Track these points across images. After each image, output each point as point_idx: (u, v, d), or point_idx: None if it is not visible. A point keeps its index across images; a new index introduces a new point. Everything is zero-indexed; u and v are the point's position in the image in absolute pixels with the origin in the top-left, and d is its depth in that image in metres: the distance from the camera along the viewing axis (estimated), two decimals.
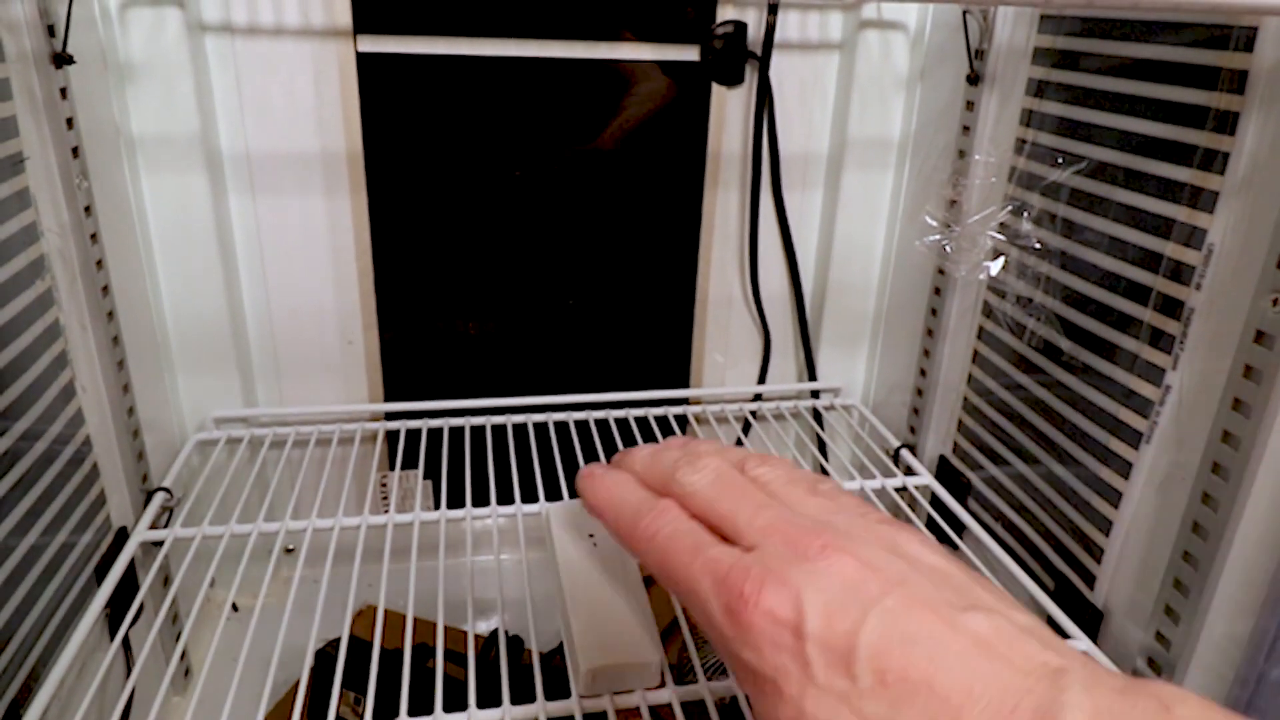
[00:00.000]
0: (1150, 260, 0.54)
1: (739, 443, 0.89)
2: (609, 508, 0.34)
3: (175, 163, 0.69)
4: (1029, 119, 0.64)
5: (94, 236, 0.60)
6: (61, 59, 0.56)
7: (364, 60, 0.72)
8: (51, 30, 0.55)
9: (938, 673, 0.26)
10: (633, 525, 0.33)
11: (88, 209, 0.60)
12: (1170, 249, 0.52)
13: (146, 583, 0.60)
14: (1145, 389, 0.55)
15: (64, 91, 0.56)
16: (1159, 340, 0.53)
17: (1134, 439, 0.56)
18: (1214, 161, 0.49)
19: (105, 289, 0.62)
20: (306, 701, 0.52)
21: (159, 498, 0.67)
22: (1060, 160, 0.61)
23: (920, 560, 0.30)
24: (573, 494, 0.66)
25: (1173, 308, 0.52)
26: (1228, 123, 0.48)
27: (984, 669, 0.26)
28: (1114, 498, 0.57)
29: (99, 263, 0.61)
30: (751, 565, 0.28)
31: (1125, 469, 0.56)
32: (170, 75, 0.66)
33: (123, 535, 0.64)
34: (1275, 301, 0.45)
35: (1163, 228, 0.53)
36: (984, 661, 0.26)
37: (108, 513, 0.64)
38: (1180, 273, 0.52)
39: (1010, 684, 0.26)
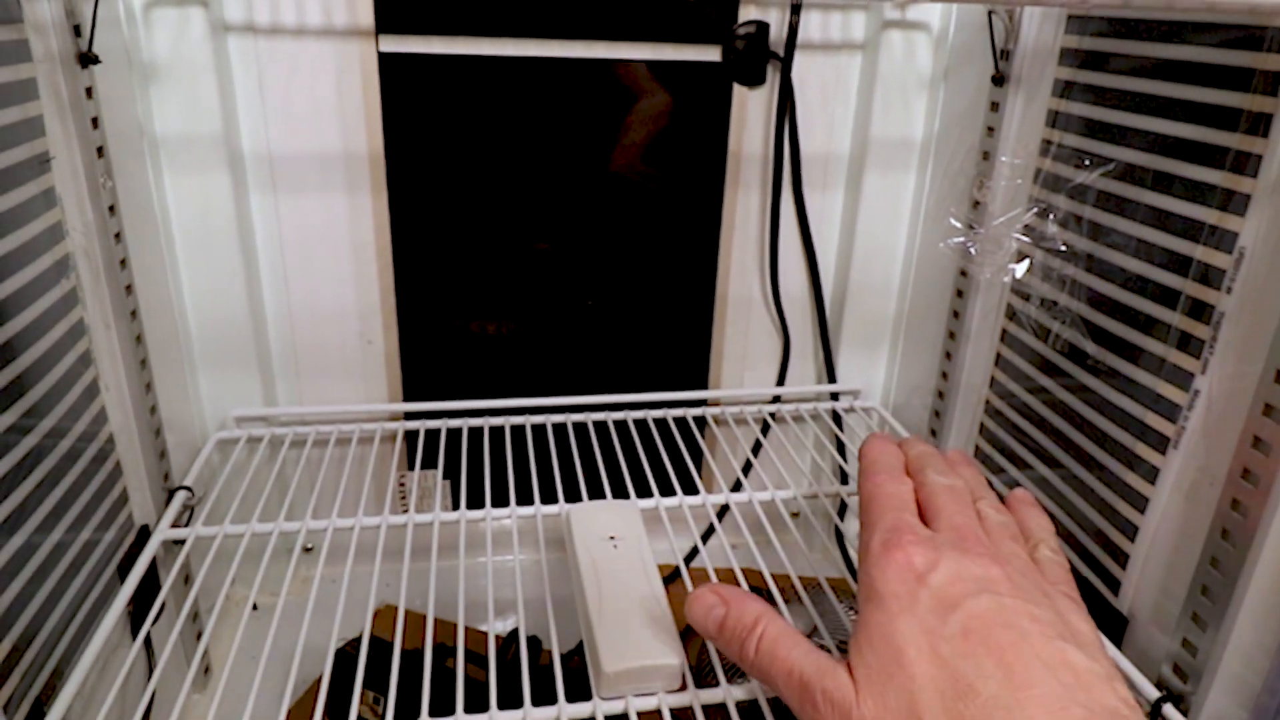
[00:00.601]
0: (1179, 263, 0.53)
1: (757, 445, 0.88)
2: (870, 457, 0.45)
3: (198, 162, 0.69)
4: (1055, 120, 0.63)
5: (118, 236, 0.61)
6: (87, 59, 0.56)
7: (386, 60, 0.72)
8: (77, 30, 0.55)
9: (1017, 658, 0.33)
10: (872, 474, 0.43)
11: (112, 208, 0.60)
12: (1200, 252, 0.52)
13: (168, 581, 0.61)
14: (1173, 393, 0.54)
15: (89, 91, 0.57)
16: (1187, 344, 0.53)
17: (1161, 444, 0.55)
18: (1246, 164, 0.48)
19: (129, 288, 0.62)
20: (327, 701, 0.52)
21: (180, 496, 0.67)
22: (1087, 162, 0.60)
23: (1065, 615, 0.36)
24: (591, 495, 0.67)
25: (1202, 311, 0.51)
26: (1260, 125, 0.48)
27: (1058, 678, 0.32)
28: (1140, 503, 0.57)
29: (123, 262, 0.61)
30: (920, 532, 0.39)
31: (1152, 474, 0.56)
32: (193, 75, 0.67)
33: (145, 534, 0.65)
34: None
35: (1192, 230, 0.52)
36: (1062, 673, 0.32)
37: (130, 511, 0.64)
38: (1210, 276, 0.51)
39: (1072, 698, 0.32)
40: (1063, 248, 0.62)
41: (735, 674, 0.61)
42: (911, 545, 0.38)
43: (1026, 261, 0.65)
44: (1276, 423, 0.46)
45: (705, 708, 0.50)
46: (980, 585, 0.36)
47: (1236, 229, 0.49)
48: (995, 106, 0.67)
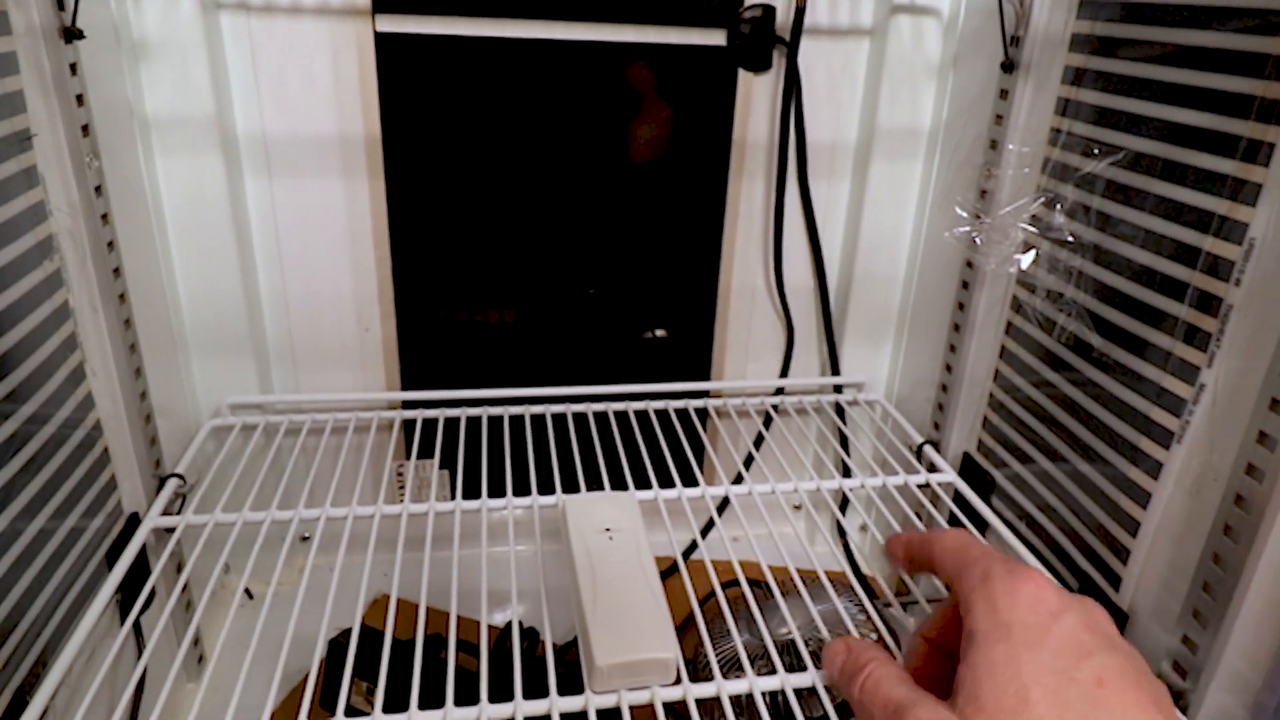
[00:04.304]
0: (1188, 255, 0.52)
1: (759, 438, 0.87)
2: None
3: (190, 143, 0.68)
4: (1064, 108, 0.62)
5: (105, 217, 0.60)
6: (71, 34, 0.55)
7: (382, 40, 0.71)
8: (61, 3, 0.54)
9: None
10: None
11: (98, 188, 0.59)
12: (1209, 243, 0.50)
13: (158, 569, 0.60)
14: (1178, 387, 0.53)
15: (74, 67, 0.56)
16: (1194, 337, 0.52)
17: (1165, 438, 0.54)
18: (1258, 153, 0.47)
19: (117, 271, 0.61)
20: (318, 690, 0.51)
21: (172, 484, 0.67)
22: (1096, 151, 0.59)
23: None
24: (590, 486, 0.66)
25: (1210, 304, 0.50)
26: (1274, 112, 0.46)
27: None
28: (1142, 498, 0.56)
29: (110, 244, 0.60)
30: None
31: (1155, 469, 0.55)
32: (184, 54, 0.65)
33: (134, 521, 0.64)
34: None
35: (1201, 221, 0.51)
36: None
37: (119, 498, 0.63)
38: (1219, 268, 0.50)
39: None
40: (1070, 238, 0.61)
41: (729, 667, 0.60)
42: (1042, 579, 0.37)
43: (1033, 252, 0.64)
44: None
45: (699, 702, 0.49)
46: (1110, 642, 0.35)
47: (1247, 219, 0.48)
48: (1004, 94, 0.66)
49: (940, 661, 0.42)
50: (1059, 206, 0.62)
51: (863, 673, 0.40)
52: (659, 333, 0.88)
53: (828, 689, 0.50)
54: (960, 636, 0.38)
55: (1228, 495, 0.49)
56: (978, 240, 0.67)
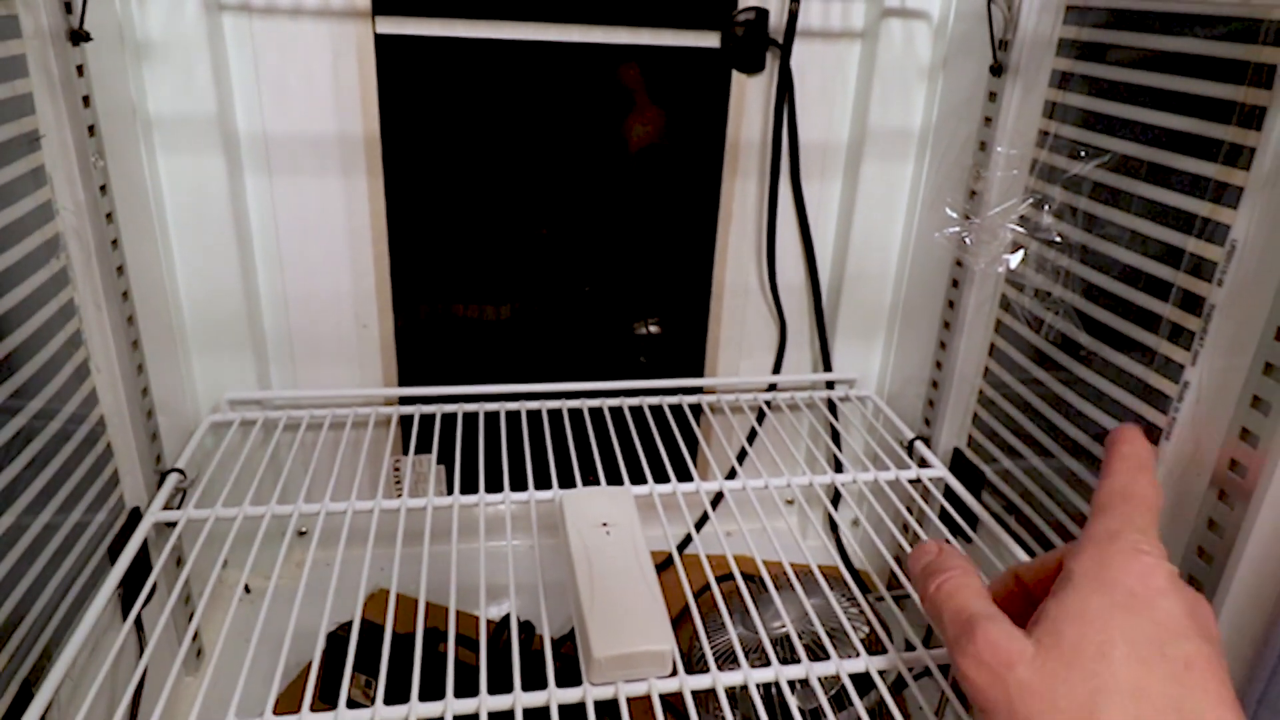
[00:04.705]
0: (1172, 255, 0.53)
1: (753, 434, 0.88)
2: (1139, 445, 0.39)
3: (192, 143, 0.69)
4: (1052, 111, 0.63)
5: (109, 216, 0.60)
6: (78, 36, 0.55)
7: (382, 42, 0.71)
8: (69, 6, 0.55)
9: (1220, 715, 0.33)
10: (1144, 469, 0.38)
11: (103, 188, 0.59)
12: (1192, 244, 0.52)
13: (159, 563, 0.61)
14: (1164, 385, 0.54)
15: (80, 69, 0.56)
16: (1179, 336, 0.53)
17: (1151, 435, 0.55)
18: (1239, 156, 0.48)
19: (120, 269, 0.62)
20: (318, 684, 0.52)
21: (172, 479, 0.67)
22: (1083, 153, 0.60)
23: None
24: (585, 482, 0.67)
25: (1193, 303, 0.52)
26: (1254, 117, 0.48)
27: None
28: None
29: (114, 242, 0.61)
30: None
31: None
32: (188, 54, 0.66)
33: (136, 516, 0.64)
34: None
35: (1185, 223, 0.52)
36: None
37: (121, 493, 0.64)
38: (1202, 268, 0.51)
39: None
40: (1057, 239, 0.62)
41: (725, 660, 0.61)
42: (1164, 560, 0.35)
43: (1021, 252, 0.65)
44: (1265, 415, 0.46)
45: (694, 694, 0.50)
46: (1208, 635, 0.34)
47: (1229, 221, 0.49)
48: (993, 97, 0.67)
49: (1023, 602, 0.40)
50: (1047, 207, 0.63)
51: (943, 574, 0.39)
52: (654, 329, 0.89)
53: (820, 681, 0.52)
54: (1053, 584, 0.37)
55: (1211, 491, 0.50)
56: (967, 240, 0.68)
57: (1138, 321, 0.56)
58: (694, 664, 0.64)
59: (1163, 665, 0.32)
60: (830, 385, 0.89)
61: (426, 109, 0.75)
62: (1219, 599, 0.49)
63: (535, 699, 0.49)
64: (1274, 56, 0.46)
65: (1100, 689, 0.32)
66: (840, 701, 0.64)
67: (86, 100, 0.57)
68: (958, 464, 0.75)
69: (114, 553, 0.61)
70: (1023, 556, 0.62)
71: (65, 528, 0.57)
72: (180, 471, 0.68)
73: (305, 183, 0.75)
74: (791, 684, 0.51)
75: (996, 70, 0.67)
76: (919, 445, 0.78)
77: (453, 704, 0.48)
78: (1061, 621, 0.34)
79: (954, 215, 0.70)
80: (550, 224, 0.81)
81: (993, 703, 0.34)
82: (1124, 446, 0.39)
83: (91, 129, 0.58)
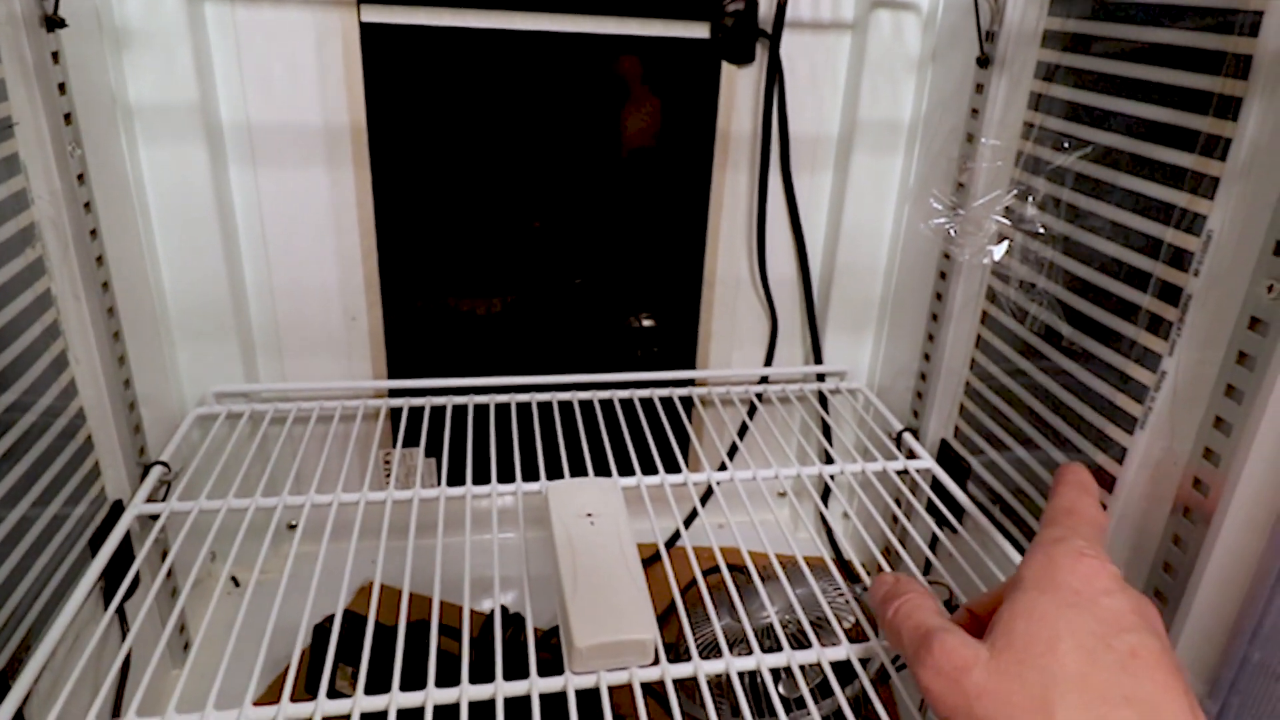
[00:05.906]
0: (1151, 246, 0.53)
1: (743, 427, 0.88)
2: (1080, 477, 0.44)
3: (174, 132, 0.68)
4: (1037, 103, 0.63)
5: (88, 205, 0.60)
6: (53, 22, 0.55)
7: (368, 30, 0.71)
8: None
9: (1166, 702, 0.34)
10: (1083, 491, 0.43)
11: (81, 177, 0.59)
12: (1171, 235, 0.52)
13: (141, 555, 0.60)
14: (1142, 375, 0.54)
15: (56, 56, 0.56)
16: (1157, 326, 0.53)
17: (1129, 424, 0.55)
18: (1216, 147, 0.48)
19: (100, 259, 0.62)
20: (301, 674, 0.52)
21: (156, 471, 0.67)
22: (1066, 145, 0.60)
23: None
24: (575, 474, 0.66)
25: (1172, 294, 0.52)
26: (1230, 108, 0.48)
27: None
28: (1108, 482, 0.57)
29: (93, 232, 0.61)
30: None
31: (1120, 454, 0.56)
32: (168, 42, 0.66)
33: (118, 508, 0.64)
34: (1271, 289, 0.45)
35: (1164, 214, 0.52)
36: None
37: (103, 485, 0.64)
38: (1180, 259, 0.51)
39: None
40: (1041, 230, 0.62)
41: (709, 651, 0.61)
42: (1108, 563, 0.37)
43: (1006, 243, 0.65)
44: (1238, 404, 0.46)
45: (677, 683, 0.50)
46: (1153, 629, 0.36)
47: (1205, 212, 0.49)
48: (979, 88, 0.67)
49: (979, 630, 0.42)
50: (1031, 199, 0.63)
51: (900, 598, 0.42)
52: (645, 322, 0.89)
53: (802, 669, 0.51)
54: None
55: (1186, 479, 0.50)
56: (953, 232, 0.68)
57: (1118, 312, 0.56)
58: (679, 656, 0.64)
59: (1109, 655, 0.34)
60: (821, 377, 0.89)
61: (413, 99, 0.74)
62: (1194, 586, 0.49)
63: (517, 688, 0.49)
64: (1250, 46, 0.46)
65: (1051, 683, 0.33)
66: (824, 691, 0.64)
67: (62, 87, 0.56)
68: (944, 455, 0.76)
69: (95, 545, 0.60)
70: (1007, 547, 0.62)
71: (43, 520, 0.56)
72: (164, 464, 0.68)
73: (290, 173, 0.74)
74: (775, 673, 0.51)
75: (983, 62, 0.66)
76: (907, 437, 0.78)
77: (434, 693, 0.48)
78: (1011, 621, 0.36)
79: (940, 207, 0.70)
80: (541, 216, 0.81)
81: (952, 709, 0.35)
82: (1069, 475, 0.43)
83: (68, 117, 0.57)
